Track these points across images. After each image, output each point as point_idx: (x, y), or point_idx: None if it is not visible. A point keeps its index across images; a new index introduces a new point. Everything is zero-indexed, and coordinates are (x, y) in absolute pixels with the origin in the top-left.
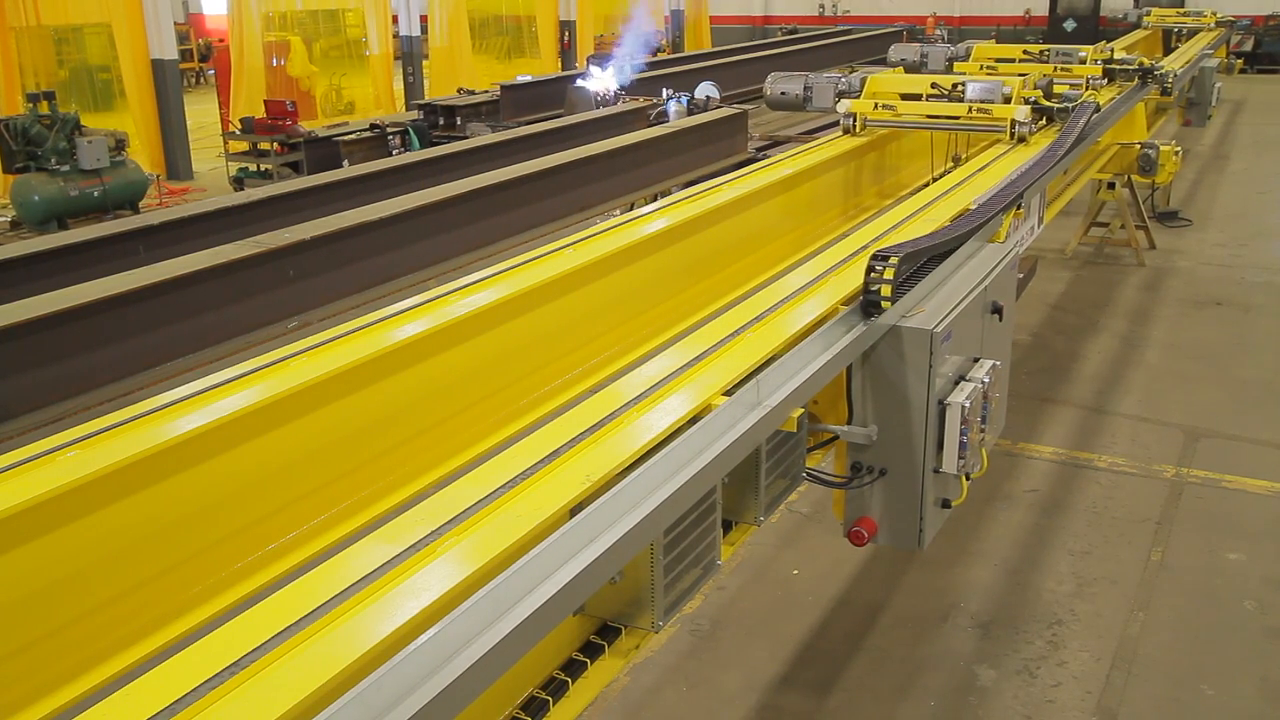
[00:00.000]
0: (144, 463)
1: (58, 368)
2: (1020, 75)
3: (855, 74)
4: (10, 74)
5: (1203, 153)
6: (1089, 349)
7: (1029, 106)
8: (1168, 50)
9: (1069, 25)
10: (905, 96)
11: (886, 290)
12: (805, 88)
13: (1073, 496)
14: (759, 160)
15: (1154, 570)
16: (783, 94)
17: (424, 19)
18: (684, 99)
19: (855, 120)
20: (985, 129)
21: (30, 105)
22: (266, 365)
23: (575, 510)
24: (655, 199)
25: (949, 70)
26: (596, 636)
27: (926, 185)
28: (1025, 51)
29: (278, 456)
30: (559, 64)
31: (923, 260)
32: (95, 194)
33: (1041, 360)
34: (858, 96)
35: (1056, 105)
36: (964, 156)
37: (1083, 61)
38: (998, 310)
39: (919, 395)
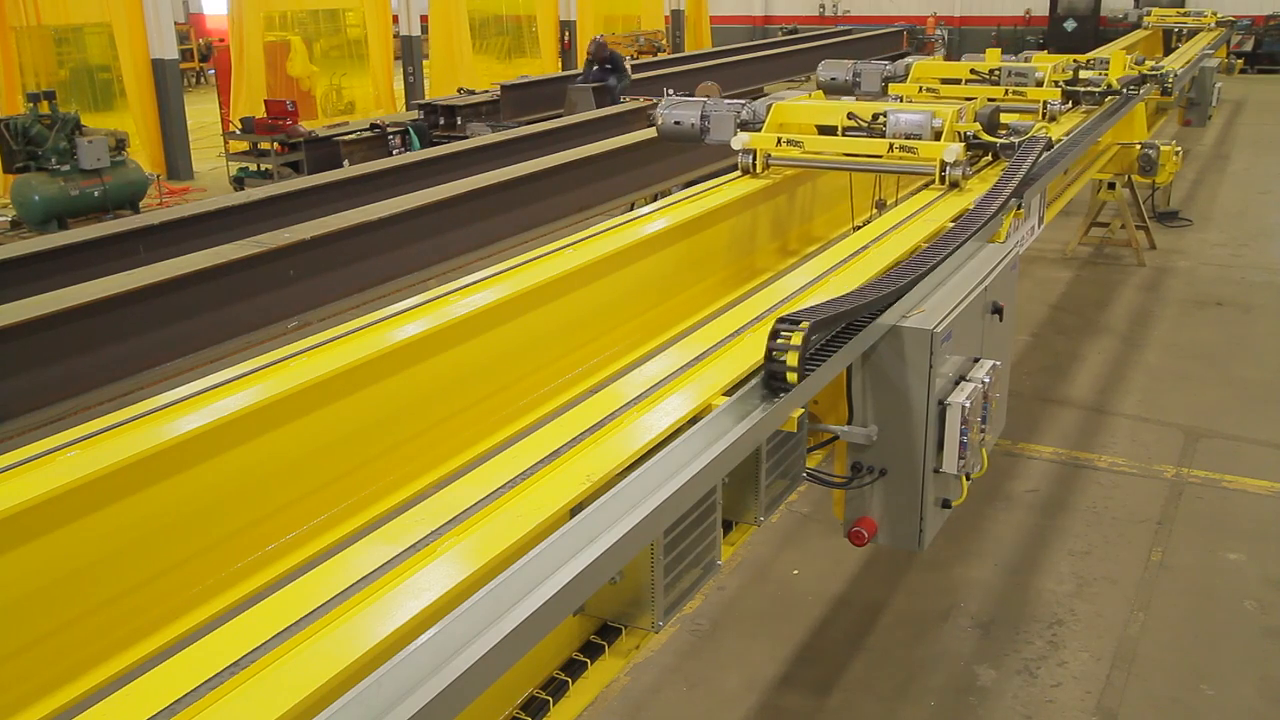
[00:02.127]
0: (144, 463)
1: (58, 368)
2: (968, 99)
3: (761, 100)
4: (10, 74)
5: (1203, 153)
6: (1089, 349)
7: (962, 145)
8: (1168, 50)
9: (1069, 25)
10: (820, 130)
11: (793, 360)
12: (702, 116)
13: (1073, 496)
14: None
15: (1154, 570)
16: (676, 124)
17: (424, 19)
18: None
19: (755, 158)
20: (910, 171)
21: (30, 105)
22: (266, 365)
23: (575, 510)
24: (655, 199)
25: (884, 91)
26: (596, 636)
27: (843, 238)
28: (973, 71)
29: (278, 456)
30: (559, 64)
31: (838, 327)
32: (95, 194)
33: (1041, 360)
34: (761, 127)
35: (1000, 140)
36: (889, 202)
37: (1040, 83)
38: (998, 310)
39: (919, 395)
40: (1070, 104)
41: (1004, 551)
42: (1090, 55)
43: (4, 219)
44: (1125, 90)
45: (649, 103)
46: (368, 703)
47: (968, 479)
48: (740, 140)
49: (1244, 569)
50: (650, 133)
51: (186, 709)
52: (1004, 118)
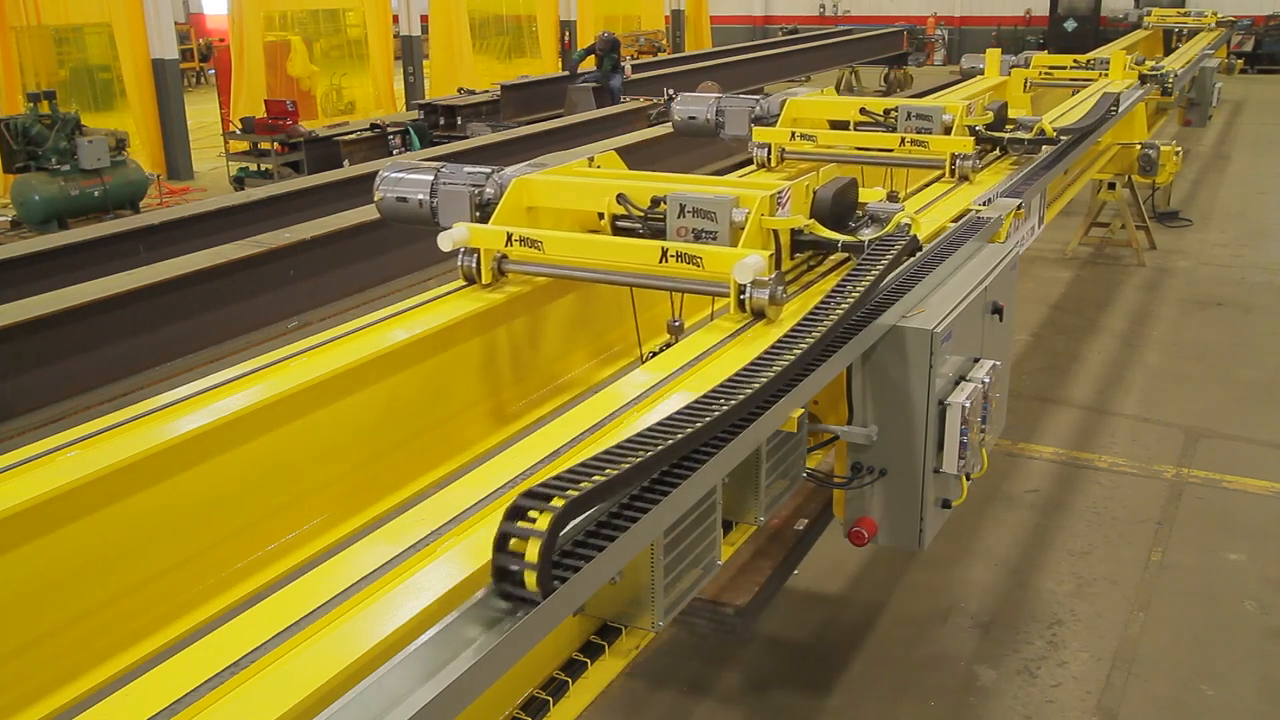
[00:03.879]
0: (144, 463)
1: (58, 368)
2: (859, 149)
3: (505, 170)
4: (11, 74)
5: (1203, 153)
6: (1089, 349)
7: (768, 253)
8: (1169, 50)
9: (1069, 25)
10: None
11: (533, 554)
12: (431, 193)
13: (1073, 496)
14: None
15: (1154, 570)
16: (402, 199)
17: (424, 19)
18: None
19: (478, 262)
20: (696, 290)
21: (31, 105)
22: (266, 365)
23: None
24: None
25: (749, 136)
26: (596, 636)
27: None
28: (863, 111)
29: (278, 456)
30: (559, 64)
31: (606, 508)
32: (95, 194)
33: (1041, 360)
34: (489, 216)
35: (843, 238)
36: (684, 323)
37: (948, 129)
38: (998, 310)
39: (919, 395)
40: (999, 152)
41: (1004, 551)
42: (1090, 55)
43: (4, 219)
44: (1062, 138)
45: (649, 102)
46: (368, 703)
47: (968, 479)
48: (452, 238)
49: (1244, 569)
50: (652, 132)
51: (186, 709)
52: (905, 178)
